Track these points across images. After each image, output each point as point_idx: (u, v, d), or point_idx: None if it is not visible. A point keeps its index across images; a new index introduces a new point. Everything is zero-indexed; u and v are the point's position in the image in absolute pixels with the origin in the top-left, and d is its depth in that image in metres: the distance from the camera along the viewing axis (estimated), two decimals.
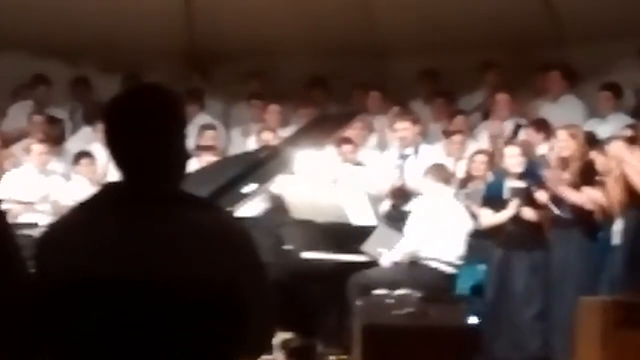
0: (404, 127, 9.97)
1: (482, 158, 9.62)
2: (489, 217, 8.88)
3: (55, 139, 11.11)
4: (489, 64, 11.29)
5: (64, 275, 2.54)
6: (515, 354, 8.59)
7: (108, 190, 2.67)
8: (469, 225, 8.88)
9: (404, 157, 9.96)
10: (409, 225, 8.73)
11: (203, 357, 2.55)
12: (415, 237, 8.63)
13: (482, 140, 10.52)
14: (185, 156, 2.68)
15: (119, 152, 2.63)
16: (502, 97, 10.59)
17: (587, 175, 8.49)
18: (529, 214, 8.71)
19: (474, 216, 9.12)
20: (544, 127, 9.82)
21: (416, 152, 9.95)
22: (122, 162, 2.63)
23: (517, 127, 9.96)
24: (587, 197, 8.43)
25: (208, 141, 10.73)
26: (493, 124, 10.53)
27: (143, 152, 2.60)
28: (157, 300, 2.51)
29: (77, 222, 2.63)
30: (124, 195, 2.61)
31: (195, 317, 2.52)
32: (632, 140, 8.32)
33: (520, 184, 8.75)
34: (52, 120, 11.25)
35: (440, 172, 9.04)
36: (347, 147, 10.01)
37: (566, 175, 8.57)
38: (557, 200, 8.55)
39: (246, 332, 2.60)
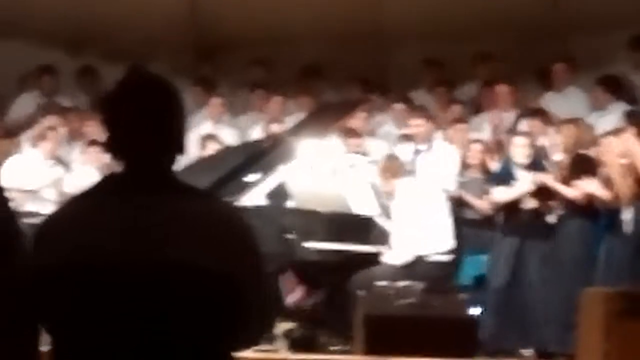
0: (418, 124, 9.94)
1: (478, 147, 9.64)
2: (503, 193, 8.84)
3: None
4: (483, 55, 11.29)
5: (60, 264, 2.54)
6: (526, 345, 8.60)
7: (105, 180, 2.67)
8: (447, 206, 8.82)
9: (417, 152, 9.93)
10: (396, 233, 8.65)
11: (200, 346, 2.54)
12: (407, 246, 8.55)
13: (483, 131, 10.50)
14: (182, 145, 2.67)
15: (115, 141, 2.63)
16: (501, 89, 10.58)
17: (582, 167, 8.54)
18: (532, 202, 8.75)
19: (468, 206, 9.11)
20: (543, 117, 9.84)
21: (429, 147, 9.89)
22: (118, 151, 2.63)
23: (520, 117, 10.00)
24: (581, 190, 8.49)
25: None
26: (494, 115, 10.52)
27: (138, 140, 2.60)
28: (155, 289, 2.51)
29: (74, 211, 2.64)
30: (120, 185, 2.62)
31: (192, 306, 2.52)
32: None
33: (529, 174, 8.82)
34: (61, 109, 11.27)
35: (395, 167, 8.96)
36: (352, 138, 10.00)
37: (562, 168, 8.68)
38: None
39: (243, 321, 2.59)
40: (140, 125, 2.59)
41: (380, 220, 8.90)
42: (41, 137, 10.14)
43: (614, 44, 10.91)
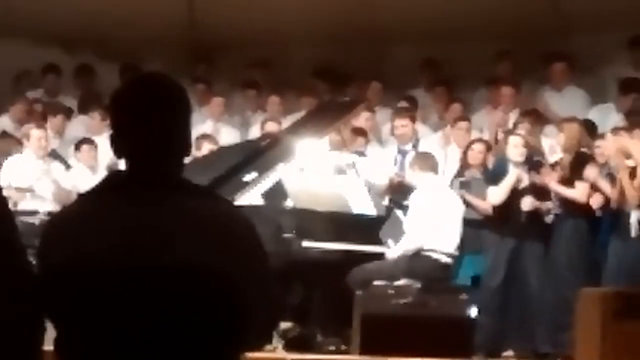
0: (403, 124, 9.96)
1: (480, 147, 9.59)
2: (496, 192, 8.84)
3: (58, 126, 11.13)
4: (503, 53, 11.28)
5: (67, 263, 2.55)
6: (521, 345, 8.60)
7: (111, 179, 2.68)
8: (461, 211, 8.83)
9: (402, 152, 9.95)
10: (409, 221, 8.65)
11: (205, 346, 2.54)
12: (417, 234, 8.53)
13: (485, 130, 10.50)
14: (188, 144, 2.68)
15: (122, 140, 2.63)
16: (507, 91, 10.55)
17: (584, 166, 8.56)
18: (529, 203, 8.75)
19: (468, 205, 9.11)
20: (536, 117, 9.85)
21: (415, 147, 9.92)
22: (125, 150, 2.63)
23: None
24: (582, 190, 8.49)
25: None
26: (497, 115, 10.49)
27: (146, 140, 2.60)
28: (159, 288, 2.51)
29: (80, 210, 2.65)
30: (126, 184, 2.62)
31: (196, 305, 2.52)
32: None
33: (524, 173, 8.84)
34: (57, 108, 11.28)
35: (425, 162, 8.95)
36: (357, 138, 9.99)
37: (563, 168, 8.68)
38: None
39: (248, 322, 2.59)
40: (147, 125, 2.60)
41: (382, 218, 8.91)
42: (28, 136, 10.10)
43: (614, 43, 10.93)
